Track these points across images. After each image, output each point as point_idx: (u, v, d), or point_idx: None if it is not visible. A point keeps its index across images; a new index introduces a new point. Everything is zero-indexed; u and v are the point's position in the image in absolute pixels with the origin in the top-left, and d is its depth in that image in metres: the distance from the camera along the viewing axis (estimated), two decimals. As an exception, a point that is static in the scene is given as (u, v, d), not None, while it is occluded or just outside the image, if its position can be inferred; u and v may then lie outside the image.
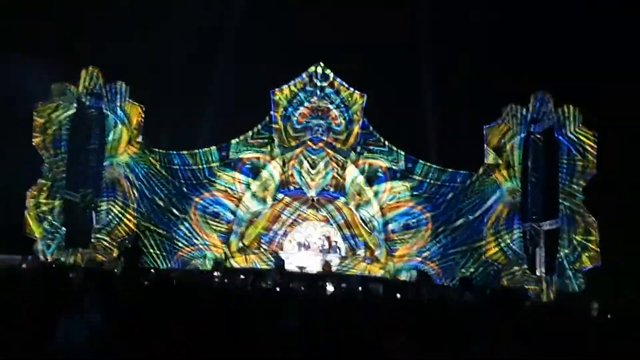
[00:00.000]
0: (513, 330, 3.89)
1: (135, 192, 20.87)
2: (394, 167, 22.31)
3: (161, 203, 21.45)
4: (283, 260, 18.47)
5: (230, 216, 22.03)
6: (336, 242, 22.08)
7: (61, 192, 19.61)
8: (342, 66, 22.50)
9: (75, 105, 20.07)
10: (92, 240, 19.89)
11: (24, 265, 15.09)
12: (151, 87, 20.72)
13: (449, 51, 21.21)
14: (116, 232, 20.30)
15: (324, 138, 22.58)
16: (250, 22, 21.51)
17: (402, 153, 22.31)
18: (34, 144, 19.35)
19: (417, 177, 22.14)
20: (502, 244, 20.48)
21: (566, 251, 19.01)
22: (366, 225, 22.09)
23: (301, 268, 20.01)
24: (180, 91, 20.97)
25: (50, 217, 19.48)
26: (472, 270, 20.75)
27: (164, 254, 21.16)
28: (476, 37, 20.77)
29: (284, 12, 21.24)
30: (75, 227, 19.91)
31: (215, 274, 16.72)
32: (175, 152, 21.97)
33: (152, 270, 17.96)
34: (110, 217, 20.36)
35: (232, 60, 21.51)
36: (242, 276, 15.46)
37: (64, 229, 19.58)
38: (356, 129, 22.46)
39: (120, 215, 20.48)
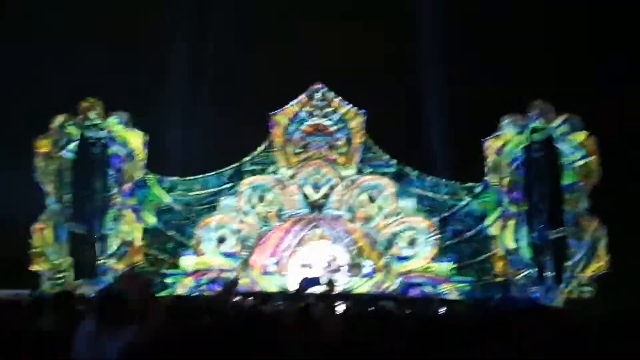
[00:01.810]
0: (519, 337, 3.91)
1: (140, 220, 20.93)
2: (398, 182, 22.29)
3: (166, 230, 21.51)
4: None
5: (235, 239, 21.95)
6: (336, 259, 21.95)
7: (66, 224, 19.54)
8: (342, 82, 22.67)
9: (76, 137, 20.10)
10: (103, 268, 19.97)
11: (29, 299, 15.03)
12: (152, 114, 20.88)
13: (448, 62, 21.36)
14: (125, 260, 20.36)
15: (326, 156, 22.60)
16: (248, 41, 21.73)
17: (405, 168, 22.31)
18: (36, 177, 19.33)
19: (422, 192, 22.11)
20: (510, 255, 20.41)
21: (574, 258, 18.91)
22: (372, 242, 21.98)
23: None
24: (180, 116, 21.14)
25: (56, 250, 19.38)
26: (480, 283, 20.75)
27: (172, 281, 21.15)
28: (475, 47, 20.94)
29: (282, 30, 21.47)
30: (82, 260, 19.84)
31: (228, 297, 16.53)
32: (179, 179, 22.05)
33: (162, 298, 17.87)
34: (117, 247, 20.39)
35: (230, 81, 21.66)
36: (250, 299, 15.40)
37: (70, 261, 19.47)
38: (357, 145, 22.51)
39: (127, 245, 20.51)
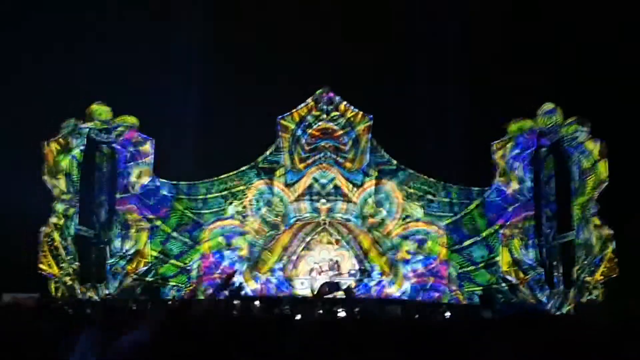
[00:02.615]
0: (529, 344, 3.87)
1: (148, 224, 20.98)
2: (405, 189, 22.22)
3: (173, 233, 21.56)
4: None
5: (242, 243, 21.95)
6: (338, 263, 21.89)
7: (74, 228, 19.55)
8: (348, 87, 22.63)
9: (85, 141, 20.10)
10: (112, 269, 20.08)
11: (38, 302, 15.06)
12: (160, 119, 20.90)
13: (454, 67, 21.27)
14: (134, 264, 20.45)
15: (333, 160, 22.56)
16: (251, 45, 21.74)
17: (411, 172, 22.24)
18: (44, 181, 19.33)
19: (430, 196, 22.05)
20: (517, 259, 20.31)
21: (583, 263, 18.77)
22: (380, 246, 21.93)
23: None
24: (188, 120, 21.18)
25: (64, 254, 19.38)
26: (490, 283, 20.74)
27: (179, 284, 21.21)
28: (481, 51, 20.86)
29: (286, 36, 21.44)
30: (90, 263, 19.84)
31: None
32: (185, 183, 22.09)
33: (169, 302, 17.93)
34: (125, 250, 20.46)
35: (236, 87, 21.62)
36: (257, 303, 15.39)
37: (78, 265, 19.44)
38: (364, 149, 22.45)
39: (135, 249, 20.57)
